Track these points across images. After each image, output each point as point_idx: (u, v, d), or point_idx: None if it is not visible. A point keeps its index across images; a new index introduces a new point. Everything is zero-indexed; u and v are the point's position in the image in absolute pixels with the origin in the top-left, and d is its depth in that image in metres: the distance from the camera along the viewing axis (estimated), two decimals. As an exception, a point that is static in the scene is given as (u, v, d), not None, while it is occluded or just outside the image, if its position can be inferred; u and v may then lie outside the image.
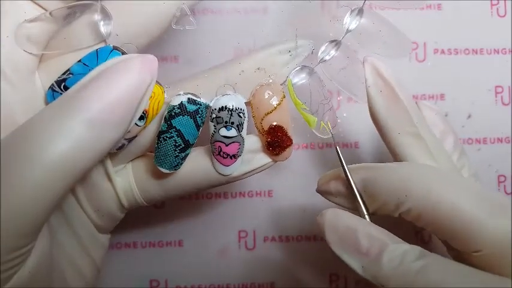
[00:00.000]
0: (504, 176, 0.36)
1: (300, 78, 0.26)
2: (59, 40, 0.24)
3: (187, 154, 0.25)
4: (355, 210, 0.25)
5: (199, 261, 0.35)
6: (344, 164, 0.26)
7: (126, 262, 0.35)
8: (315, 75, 0.26)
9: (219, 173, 0.26)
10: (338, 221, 0.23)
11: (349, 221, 0.23)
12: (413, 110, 0.26)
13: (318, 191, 0.27)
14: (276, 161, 0.27)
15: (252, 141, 0.26)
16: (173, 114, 0.24)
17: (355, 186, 0.25)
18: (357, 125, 0.35)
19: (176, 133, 0.24)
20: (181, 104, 0.24)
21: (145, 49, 0.25)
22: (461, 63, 0.35)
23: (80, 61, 0.24)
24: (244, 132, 0.25)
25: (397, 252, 0.22)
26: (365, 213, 0.25)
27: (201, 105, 0.25)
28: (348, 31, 0.26)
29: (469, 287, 0.20)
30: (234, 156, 0.25)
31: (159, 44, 0.33)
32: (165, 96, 0.25)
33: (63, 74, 0.24)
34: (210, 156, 0.26)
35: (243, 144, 0.26)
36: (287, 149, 0.26)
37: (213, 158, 0.26)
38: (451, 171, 0.26)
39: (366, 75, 0.26)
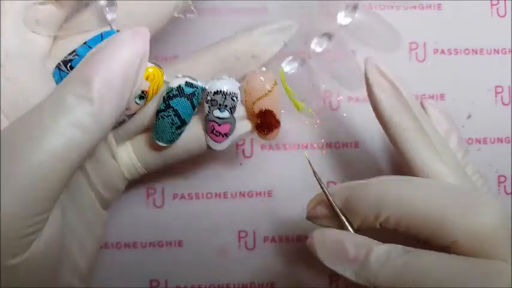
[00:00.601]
0: (504, 176, 0.36)
1: (291, 67, 0.28)
2: (67, 25, 0.25)
3: (183, 131, 0.27)
4: (343, 229, 0.26)
5: (199, 261, 0.35)
6: (323, 185, 0.27)
7: (126, 262, 0.35)
8: (305, 65, 0.28)
9: (211, 148, 0.28)
10: (325, 238, 0.25)
11: (335, 235, 0.25)
12: (416, 107, 0.27)
13: (308, 218, 0.28)
14: (261, 139, 0.29)
15: (240, 109, 0.28)
16: (171, 95, 0.26)
17: (335, 204, 0.26)
18: (357, 125, 0.35)
19: (173, 112, 0.26)
20: (179, 87, 0.26)
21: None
22: (461, 63, 0.35)
23: (85, 43, 0.25)
24: (236, 114, 0.27)
25: (382, 251, 0.24)
26: (349, 228, 0.26)
27: (197, 88, 0.27)
28: (340, 26, 0.27)
29: (452, 270, 0.22)
30: (226, 135, 0.28)
31: (160, 43, 0.34)
32: (164, 77, 0.26)
33: (69, 54, 0.25)
34: (202, 125, 0.28)
35: (234, 124, 0.28)
36: (274, 130, 0.28)
37: (206, 136, 0.28)
38: (456, 167, 0.27)
39: (368, 74, 0.27)
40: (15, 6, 0.24)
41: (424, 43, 0.35)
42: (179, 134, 0.27)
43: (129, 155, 0.29)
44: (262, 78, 0.27)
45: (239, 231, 0.36)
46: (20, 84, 0.24)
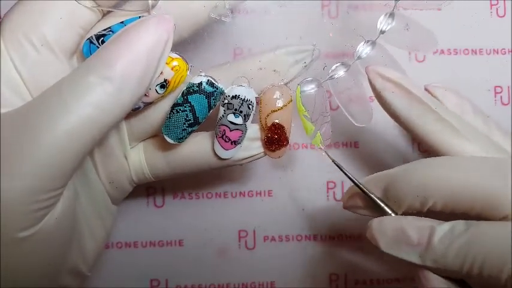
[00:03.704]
0: (504, 176, 0.36)
1: (308, 88, 0.29)
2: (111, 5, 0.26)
3: (193, 130, 0.27)
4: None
5: (199, 260, 0.35)
6: (354, 179, 0.27)
7: (126, 262, 0.35)
8: (321, 88, 0.29)
9: (217, 156, 0.28)
10: (385, 227, 0.25)
11: (394, 222, 0.25)
12: (427, 98, 0.27)
13: (345, 207, 0.29)
14: (267, 155, 0.29)
15: (254, 130, 0.28)
16: (191, 91, 0.26)
17: (376, 196, 0.27)
18: (357, 125, 0.35)
19: (189, 108, 0.26)
20: (200, 84, 0.26)
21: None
22: (461, 64, 0.35)
23: (122, 22, 0.25)
24: (249, 123, 0.28)
25: (445, 231, 0.24)
26: (390, 213, 0.26)
27: (217, 89, 0.27)
28: (358, 57, 0.28)
29: None
30: (235, 143, 0.28)
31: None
32: (188, 73, 0.27)
33: (104, 30, 0.25)
34: (212, 141, 0.28)
35: (245, 134, 0.28)
36: (282, 148, 0.28)
37: (215, 140, 0.28)
38: (484, 141, 0.27)
39: (373, 82, 0.27)
40: None
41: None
42: (189, 133, 0.27)
43: (140, 159, 0.29)
44: (279, 92, 0.28)
45: (239, 231, 0.36)
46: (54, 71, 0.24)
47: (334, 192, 0.36)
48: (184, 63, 0.26)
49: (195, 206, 0.35)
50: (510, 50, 0.36)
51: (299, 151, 0.35)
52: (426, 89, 0.29)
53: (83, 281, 0.28)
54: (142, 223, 0.35)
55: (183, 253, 0.35)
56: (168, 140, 0.27)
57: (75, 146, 0.22)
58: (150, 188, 0.35)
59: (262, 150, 0.29)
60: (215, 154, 0.28)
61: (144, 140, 0.30)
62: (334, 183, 0.36)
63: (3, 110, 0.23)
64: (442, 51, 0.35)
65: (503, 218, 0.24)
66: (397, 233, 0.25)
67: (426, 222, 0.25)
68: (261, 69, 0.28)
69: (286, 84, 0.28)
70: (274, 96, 0.28)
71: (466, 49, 0.36)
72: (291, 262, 0.36)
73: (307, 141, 0.35)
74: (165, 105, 0.28)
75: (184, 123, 0.27)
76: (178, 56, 0.26)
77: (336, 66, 0.29)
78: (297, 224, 0.36)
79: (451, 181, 0.24)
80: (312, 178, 0.36)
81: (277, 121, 0.28)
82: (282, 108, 0.28)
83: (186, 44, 0.27)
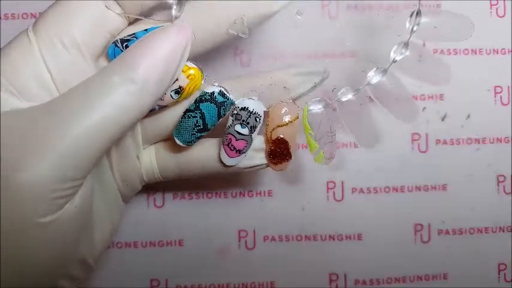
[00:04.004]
0: (503, 176, 0.36)
1: (315, 107, 0.30)
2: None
3: (202, 135, 0.29)
4: None
5: (199, 260, 0.35)
6: None
7: (126, 261, 0.35)
8: (329, 109, 0.30)
9: (222, 162, 0.29)
10: None
11: None
12: None
13: None
14: (270, 167, 0.30)
15: (259, 141, 0.30)
16: (203, 99, 0.28)
17: None
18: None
19: (200, 115, 0.28)
20: (212, 93, 0.28)
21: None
22: (461, 64, 0.35)
23: (146, 30, 0.27)
24: (255, 135, 0.29)
25: None
26: None
27: (228, 99, 0.28)
28: (368, 83, 0.29)
29: None
30: (239, 152, 0.29)
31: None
32: (203, 83, 0.28)
33: (129, 35, 0.27)
34: (219, 148, 0.29)
35: (250, 144, 0.29)
36: (284, 162, 0.29)
37: (221, 147, 0.29)
38: None
39: None
40: None
41: (424, 43, 0.35)
42: (197, 138, 0.28)
43: (151, 160, 0.31)
44: (286, 108, 0.29)
45: (239, 231, 0.36)
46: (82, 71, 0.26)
47: (334, 192, 0.36)
48: (199, 72, 0.28)
49: (195, 206, 0.35)
50: (510, 50, 0.36)
51: (299, 151, 0.35)
52: None
53: (89, 273, 0.28)
54: (142, 223, 0.35)
55: (183, 253, 0.35)
56: (178, 142, 0.28)
57: (97, 141, 0.23)
58: (151, 188, 0.35)
59: (265, 161, 0.30)
60: (220, 160, 0.29)
61: (156, 142, 0.31)
62: (334, 183, 0.36)
63: (31, 104, 0.24)
64: (442, 51, 0.35)
65: None
66: None
67: None
68: (271, 85, 0.29)
69: (294, 101, 0.29)
70: (282, 112, 0.29)
71: (466, 49, 0.36)
72: (291, 262, 0.36)
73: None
74: (178, 111, 0.29)
75: (194, 128, 0.28)
76: (195, 66, 0.27)
77: (345, 89, 0.29)
78: (297, 224, 0.36)
79: None
80: (312, 178, 0.36)
81: (282, 136, 0.29)
82: (287, 124, 0.29)
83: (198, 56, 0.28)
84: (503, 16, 0.36)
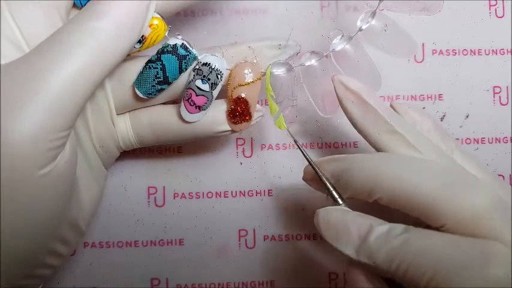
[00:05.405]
0: (503, 176, 0.36)
1: (278, 70, 0.30)
2: None
3: (162, 89, 0.29)
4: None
5: (199, 260, 0.36)
6: (309, 159, 0.29)
7: (127, 261, 0.35)
8: (291, 72, 0.30)
9: (182, 119, 0.29)
10: (329, 217, 0.27)
11: (339, 215, 0.26)
12: (384, 110, 0.28)
13: (304, 179, 0.30)
14: (231, 129, 0.30)
15: (220, 102, 0.30)
16: (165, 50, 0.28)
17: (327, 179, 0.28)
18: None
19: (161, 66, 0.28)
20: (175, 45, 0.28)
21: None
22: (460, 64, 0.36)
23: None
24: (215, 92, 0.29)
25: (383, 230, 0.25)
26: (337, 198, 0.28)
27: (190, 53, 0.28)
28: (332, 50, 0.29)
29: (450, 251, 0.23)
30: (199, 108, 0.29)
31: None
32: (166, 34, 0.28)
33: None
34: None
35: (210, 101, 0.29)
36: (244, 123, 0.29)
37: (181, 102, 0.29)
38: (435, 156, 0.28)
39: (336, 91, 0.29)
40: None
41: (423, 44, 0.35)
42: (158, 91, 0.29)
43: (127, 126, 0.31)
44: (249, 68, 0.29)
45: (239, 230, 0.36)
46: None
47: (333, 192, 0.36)
48: (163, 23, 0.28)
49: (195, 205, 0.35)
50: (509, 50, 0.36)
51: (299, 151, 0.35)
52: (391, 105, 0.31)
53: (80, 238, 0.29)
54: (143, 222, 0.35)
55: (184, 252, 0.35)
56: (138, 93, 0.29)
57: (82, 84, 0.24)
58: (151, 188, 0.35)
59: (229, 128, 0.30)
60: (181, 115, 0.29)
61: (131, 111, 0.31)
62: (334, 183, 0.36)
63: (3, 61, 0.24)
64: (441, 52, 0.36)
65: (441, 227, 0.24)
66: (339, 226, 0.26)
67: (368, 220, 0.26)
68: (236, 42, 0.29)
69: (257, 62, 0.29)
70: (244, 71, 0.29)
71: (465, 49, 0.36)
72: (291, 262, 0.36)
73: (306, 141, 0.36)
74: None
75: (154, 80, 0.28)
76: (159, 17, 0.27)
77: (309, 54, 0.30)
78: (297, 223, 0.36)
79: (400, 182, 0.25)
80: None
81: (243, 95, 0.29)
82: (249, 83, 0.29)
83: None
84: (503, 16, 0.36)
